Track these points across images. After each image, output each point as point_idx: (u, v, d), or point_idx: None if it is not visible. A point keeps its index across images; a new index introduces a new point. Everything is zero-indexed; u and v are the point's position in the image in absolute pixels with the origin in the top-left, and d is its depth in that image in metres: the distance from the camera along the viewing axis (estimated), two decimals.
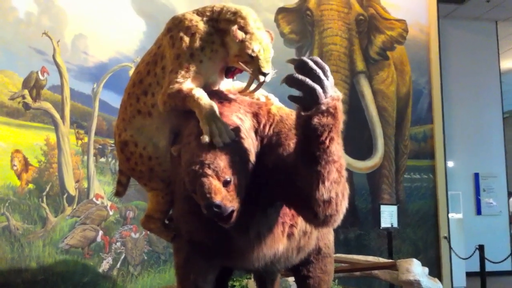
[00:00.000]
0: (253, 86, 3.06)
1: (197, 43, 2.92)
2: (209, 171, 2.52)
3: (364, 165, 7.93)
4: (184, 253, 3.23)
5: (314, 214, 2.69)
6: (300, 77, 2.34)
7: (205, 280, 3.21)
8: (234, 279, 5.51)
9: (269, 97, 3.26)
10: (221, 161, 2.55)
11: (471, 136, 10.64)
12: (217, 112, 2.73)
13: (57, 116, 6.13)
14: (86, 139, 6.31)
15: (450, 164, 9.85)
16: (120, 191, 3.62)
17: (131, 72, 6.44)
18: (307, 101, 2.37)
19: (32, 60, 6.03)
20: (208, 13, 3.00)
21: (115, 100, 6.45)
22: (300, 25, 7.92)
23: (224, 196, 2.52)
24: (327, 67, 2.37)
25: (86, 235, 6.06)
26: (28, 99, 5.95)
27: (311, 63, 2.34)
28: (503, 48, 11.84)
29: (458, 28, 10.78)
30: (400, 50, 8.43)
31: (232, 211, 2.58)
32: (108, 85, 6.49)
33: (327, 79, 2.40)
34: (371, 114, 8.08)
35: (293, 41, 7.73)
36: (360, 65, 8.14)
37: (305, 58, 2.31)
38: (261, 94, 3.22)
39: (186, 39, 2.94)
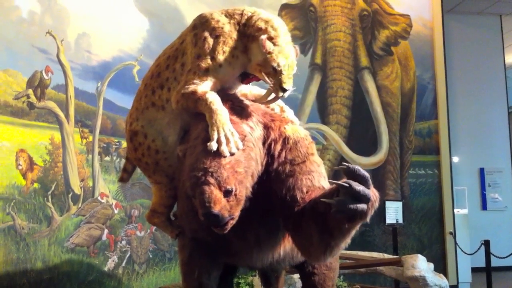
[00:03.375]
0: (271, 96, 3.00)
1: (220, 47, 2.89)
2: (211, 180, 2.53)
3: (369, 161, 7.92)
4: (188, 251, 3.25)
5: (309, 259, 2.99)
6: (362, 190, 2.39)
7: (209, 277, 3.23)
8: (240, 276, 5.53)
9: (284, 108, 3.24)
10: (225, 171, 2.55)
11: (476, 131, 10.59)
12: (228, 120, 2.72)
13: (61, 115, 6.13)
14: (90, 138, 6.31)
15: (455, 159, 9.82)
16: (125, 177, 3.69)
17: (134, 70, 6.48)
18: (357, 215, 2.45)
19: (35, 60, 6.03)
20: (236, 16, 2.96)
21: (119, 99, 6.47)
22: (304, 21, 7.92)
23: (223, 206, 2.53)
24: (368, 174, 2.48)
25: (92, 233, 6.07)
26: (33, 99, 5.96)
27: (367, 176, 2.44)
28: (508, 42, 11.78)
29: (462, 23, 10.72)
30: (404, 45, 8.41)
31: (229, 221, 2.58)
32: (112, 84, 6.49)
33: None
34: (376, 110, 8.07)
35: (296, 38, 7.71)
36: (364, 60, 8.13)
37: (358, 170, 2.42)
38: (276, 104, 3.20)
39: (210, 41, 2.91)
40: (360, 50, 8.12)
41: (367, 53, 8.16)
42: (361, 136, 7.93)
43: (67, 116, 6.17)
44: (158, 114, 3.16)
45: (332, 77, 7.92)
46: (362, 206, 2.40)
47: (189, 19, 6.88)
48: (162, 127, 3.18)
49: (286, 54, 2.80)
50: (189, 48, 3.02)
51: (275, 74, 2.78)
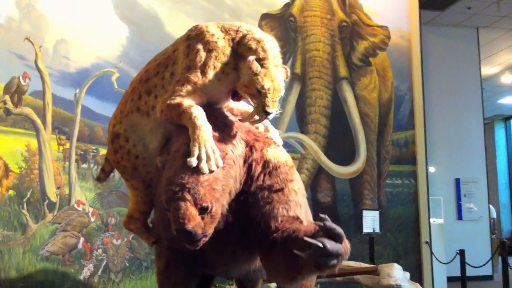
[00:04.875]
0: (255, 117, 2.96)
1: (211, 61, 2.86)
2: (187, 196, 2.53)
3: (346, 171, 7.97)
4: (164, 259, 3.24)
5: (276, 282, 3.10)
6: (335, 251, 2.42)
7: (186, 286, 3.22)
8: (217, 285, 5.51)
9: (269, 128, 3.23)
10: (202, 188, 2.55)
11: (452, 141, 10.72)
12: (210, 136, 2.70)
13: (38, 121, 6.08)
14: (67, 145, 6.27)
15: (431, 169, 9.92)
16: (102, 177, 3.65)
17: (113, 77, 6.46)
18: (326, 268, 2.51)
19: (13, 66, 5.98)
20: (232, 33, 2.92)
21: (97, 106, 6.44)
22: (284, 32, 7.95)
23: (197, 223, 2.53)
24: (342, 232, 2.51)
25: (67, 242, 6.02)
26: (9, 105, 5.91)
27: (342, 234, 2.47)
28: (484, 55, 11.97)
29: (440, 35, 10.87)
30: (382, 57, 8.49)
31: (201, 238, 2.60)
32: (90, 91, 6.46)
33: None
34: (354, 120, 8.13)
35: None
36: (342, 71, 8.18)
37: (334, 230, 2.43)
38: (261, 123, 3.20)
39: (202, 54, 2.87)
40: (339, 60, 8.18)
41: (346, 64, 8.22)
42: (339, 145, 7.98)
43: (44, 122, 6.12)
44: (142, 119, 3.14)
45: (311, 87, 7.96)
46: (333, 262, 2.44)
47: (169, 27, 6.96)
48: (144, 133, 3.16)
49: (272, 77, 2.75)
50: (180, 58, 2.99)
51: (259, 96, 2.75)
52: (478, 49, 11.31)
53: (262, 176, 2.89)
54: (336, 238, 2.43)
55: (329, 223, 2.42)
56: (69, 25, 6.41)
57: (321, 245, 2.37)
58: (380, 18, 8.52)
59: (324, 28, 8.14)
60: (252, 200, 2.87)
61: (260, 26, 7.70)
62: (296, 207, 2.94)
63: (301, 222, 2.94)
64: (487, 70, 13.34)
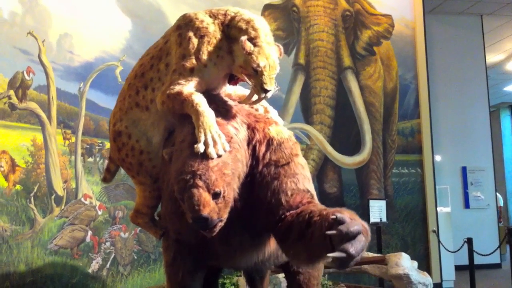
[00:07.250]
0: (254, 97, 2.98)
1: (205, 47, 2.87)
2: (200, 183, 2.52)
3: (352, 161, 7.96)
4: (172, 252, 3.25)
5: (294, 264, 3.17)
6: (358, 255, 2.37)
7: (193, 278, 3.23)
8: (225, 276, 5.52)
9: (268, 109, 3.24)
10: (213, 173, 2.55)
11: (458, 130, 10.69)
12: (214, 121, 2.71)
13: (43, 116, 6.08)
14: (73, 139, 6.26)
15: (437, 158, 9.91)
16: (108, 177, 3.67)
17: (117, 71, 6.44)
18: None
19: (17, 60, 5.97)
20: (220, 17, 2.94)
21: (102, 100, 6.43)
22: (287, 22, 7.93)
23: (212, 209, 2.53)
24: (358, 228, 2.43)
25: (75, 235, 6.03)
26: (14, 100, 5.90)
27: (360, 230, 2.43)
28: (489, 42, 11.91)
29: (444, 23, 10.82)
30: (387, 46, 8.46)
31: (217, 223, 2.60)
32: (95, 85, 6.45)
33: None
34: (359, 109, 8.11)
35: (279, 38, 7.72)
36: (347, 61, 8.16)
37: (349, 233, 2.37)
38: (260, 105, 3.20)
39: (194, 41, 2.89)
40: (343, 50, 8.16)
41: (350, 53, 8.19)
42: (345, 135, 7.97)
43: (49, 117, 6.12)
44: (143, 114, 3.14)
45: (316, 77, 7.94)
46: (357, 259, 2.40)
47: (172, 20, 6.90)
48: (146, 127, 3.16)
49: (266, 55, 2.77)
50: (173, 48, 3.00)
51: (256, 75, 2.77)
52: (483, 37, 11.25)
53: (267, 154, 2.89)
54: (354, 237, 2.38)
55: (346, 228, 2.36)
56: (73, 19, 6.38)
57: (344, 255, 2.33)
58: (384, 6, 8.49)
59: (328, 18, 8.12)
60: (260, 179, 2.86)
61: (263, 16, 7.65)
62: (304, 180, 2.94)
63: (312, 196, 2.94)
64: (492, 57, 13.27)
